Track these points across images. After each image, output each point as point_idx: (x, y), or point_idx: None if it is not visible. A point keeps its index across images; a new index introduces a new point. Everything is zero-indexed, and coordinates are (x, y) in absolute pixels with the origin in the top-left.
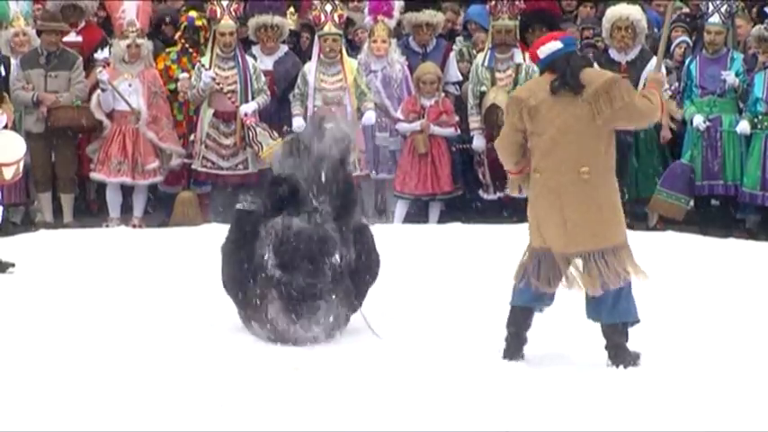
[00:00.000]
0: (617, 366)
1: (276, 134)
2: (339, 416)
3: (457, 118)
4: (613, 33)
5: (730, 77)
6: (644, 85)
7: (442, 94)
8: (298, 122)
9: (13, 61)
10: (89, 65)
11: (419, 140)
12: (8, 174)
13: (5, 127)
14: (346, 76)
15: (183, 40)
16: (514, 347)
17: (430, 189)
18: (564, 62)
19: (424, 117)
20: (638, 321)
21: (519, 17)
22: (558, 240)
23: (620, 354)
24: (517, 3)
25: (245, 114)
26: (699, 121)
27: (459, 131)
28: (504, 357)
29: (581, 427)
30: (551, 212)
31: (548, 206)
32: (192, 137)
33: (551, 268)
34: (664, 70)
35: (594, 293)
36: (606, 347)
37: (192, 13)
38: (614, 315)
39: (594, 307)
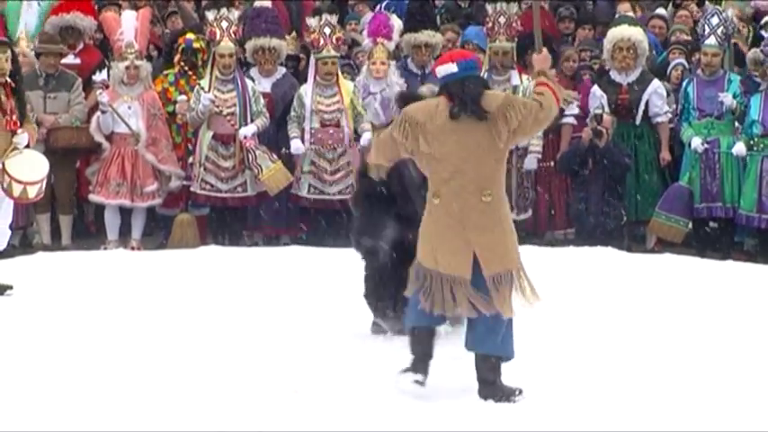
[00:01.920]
0: (486, 400)
1: (275, 156)
2: None
3: None
4: (615, 54)
5: (728, 99)
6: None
7: None
8: (296, 145)
9: None
10: (88, 87)
11: None
12: (32, 193)
13: (28, 146)
14: (343, 97)
15: (181, 63)
16: (422, 366)
17: None
18: (458, 87)
19: None
20: (510, 359)
21: (516, 39)
22: (459, 266)
23: (490, 389)
24: (514, 24)
25: (245, 137)
26: (697, 143)
27: None
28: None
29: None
30: (452, 239)
31: (447, 232)
32: (190, 159)
33: (440, 291)
34: (545, 50)
35: (491, 312)
36: (478, 380)
37: (190, 36)
38: (493, 346)
39: (477, 336)
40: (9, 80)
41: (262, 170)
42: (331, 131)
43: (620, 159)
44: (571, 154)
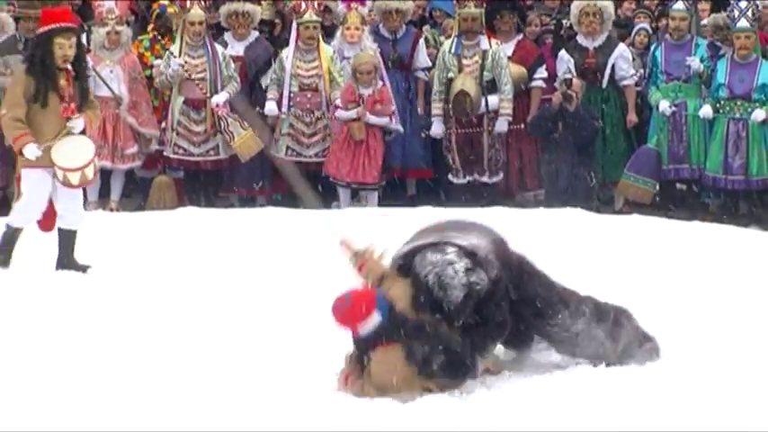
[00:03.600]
0: None
1: (246, 124)
2: (313, 397)
3: (394, 107)
4: (581, 20)
5: (695, 63)
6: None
7: (380, 83)
8: (270, 106)
9: None
10: None
11: (355, 128)
12: (74, 179)
13: (83, 132)
14: (322, 63)
15: (155, 28)
16: None
17: (360, 178)
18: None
19: (361, 105)
20: None
21: (485, 4)
22: None
23: None
24: None
25: (217, 104)
26: (664, 106)
27: (393, 121)
28: None
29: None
30: None
31: None
32: (163, 124)
33: None
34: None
35: None
36: None
37: (164, 1)
38: None
39: None
40: (70, 67)
41: (233, 137)
42: (309, 95)
43: (589, 122)
44: (541, 117)
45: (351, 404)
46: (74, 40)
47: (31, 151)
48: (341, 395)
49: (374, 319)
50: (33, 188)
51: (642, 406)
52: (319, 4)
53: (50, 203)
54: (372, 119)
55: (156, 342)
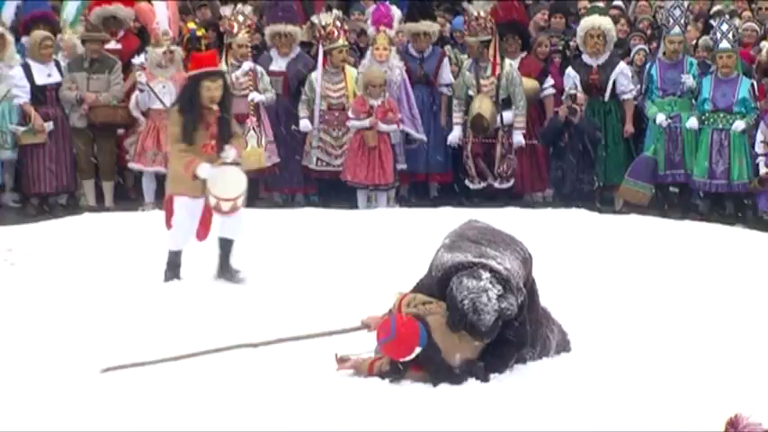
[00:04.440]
0: None
1: (263, 142)
2: (325, 395)
3: (400, 115)
4: (587, 41)
5: (690, 80)
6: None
7: (387, 94)
8: (304, 123)
9: (62, 64)
10: (127, 69)
11: (368, 135)
12: (225, 207)
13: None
14: (347, 84)
15: (186, 50)
16: None
17: (376, 180)
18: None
19: (372, 116)
20: None
21: (479, 33)
22: None
23: None
24: (473, 23)
25: (252, 99)
26: (662, 119)
27: (400, 128)
28: None
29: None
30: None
31: None
32: None
33: None
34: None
35: None
36: None
37: (192, 25)
38: None
39: None
40: (216, 107)
41: (246, 146)
42: (336, 114)
43: (591, 133)
44: (549, 128)
45: (352, 404)
46: (220, 82)
47: (203, 169)
48: (347, 395)
49: (416, 351)
50: (183, 215)
51: (640, 403)
52: (346, 31)
53: (204, 215)
54: (383, 127)
55: (203, 334)
